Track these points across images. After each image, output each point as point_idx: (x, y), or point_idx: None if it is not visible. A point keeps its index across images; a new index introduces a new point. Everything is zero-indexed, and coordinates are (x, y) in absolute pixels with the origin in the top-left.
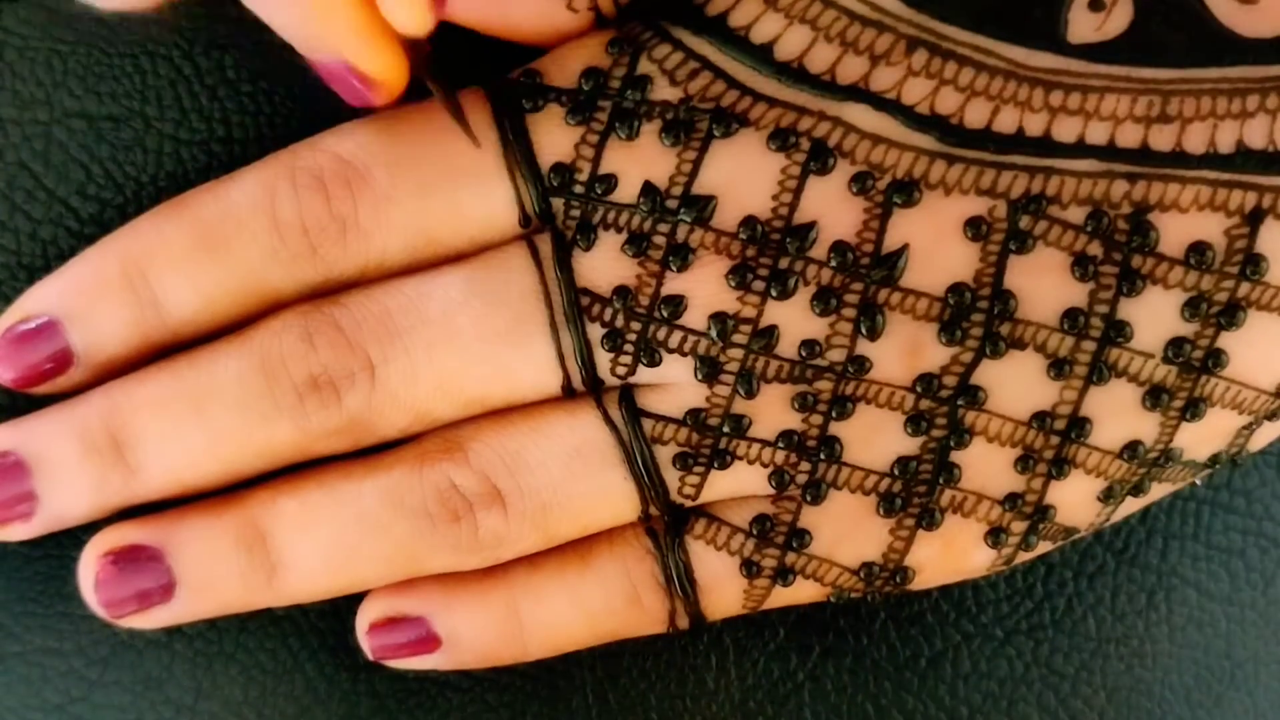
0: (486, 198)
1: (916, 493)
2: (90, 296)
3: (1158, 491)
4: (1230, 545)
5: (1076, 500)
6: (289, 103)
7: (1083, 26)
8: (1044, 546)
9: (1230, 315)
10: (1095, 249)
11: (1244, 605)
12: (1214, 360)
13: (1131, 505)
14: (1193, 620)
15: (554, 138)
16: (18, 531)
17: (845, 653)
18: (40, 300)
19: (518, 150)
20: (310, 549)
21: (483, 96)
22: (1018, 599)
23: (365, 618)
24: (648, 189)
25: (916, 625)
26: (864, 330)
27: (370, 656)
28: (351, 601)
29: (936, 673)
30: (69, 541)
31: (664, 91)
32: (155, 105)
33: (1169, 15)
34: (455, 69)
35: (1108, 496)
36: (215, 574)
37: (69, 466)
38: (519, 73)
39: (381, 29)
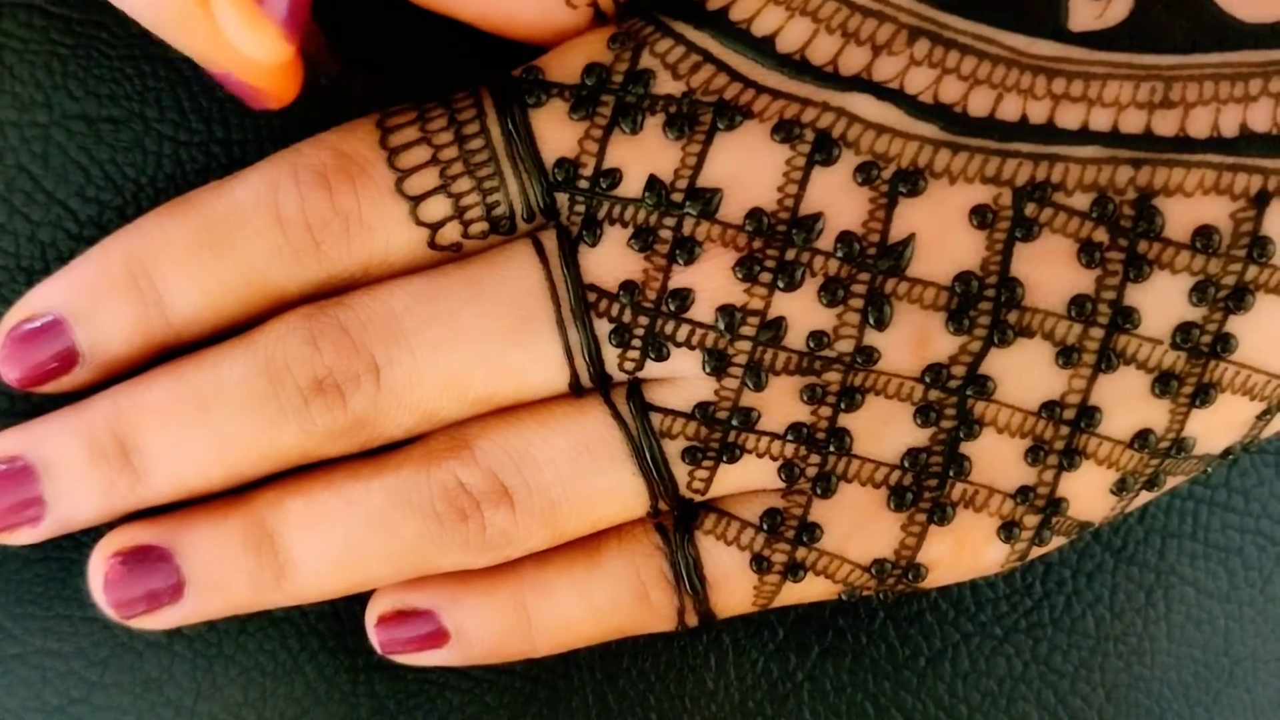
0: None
1: (927, 486)
2: (95, 295)
3: (1168, 484)
4: (1228, 543)
5: (1089, 493)
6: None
7: (1083, 14)
8: (1057, 541)
9: (1238, 299)
10: (1101, 235)
11: (1242, 603)
12: (1223, 345)
13: (1144, 496)
14: (1191, 618)
15: (557, 133)
16: (25, 535)
17: (844, 652)
18: (45, 299)
19: (521, 145)
20: (318, 549)
21: (485, 92)
22: (1016, 597)
23: (374, 611)
24: (652, 183)
25: (915, 624)
26: (872, 320)
27: (379, 650)
28: (351, 602)
29: (935, 671)
30: (69, 544)
31: (666, 85)
32: (155, 107)
33: (1169, 2)
34: (457, 66)
35: (1120, 489)
36: (224, 574)
37: (76, 472)
38: (521, 70)
39: (263, 44)
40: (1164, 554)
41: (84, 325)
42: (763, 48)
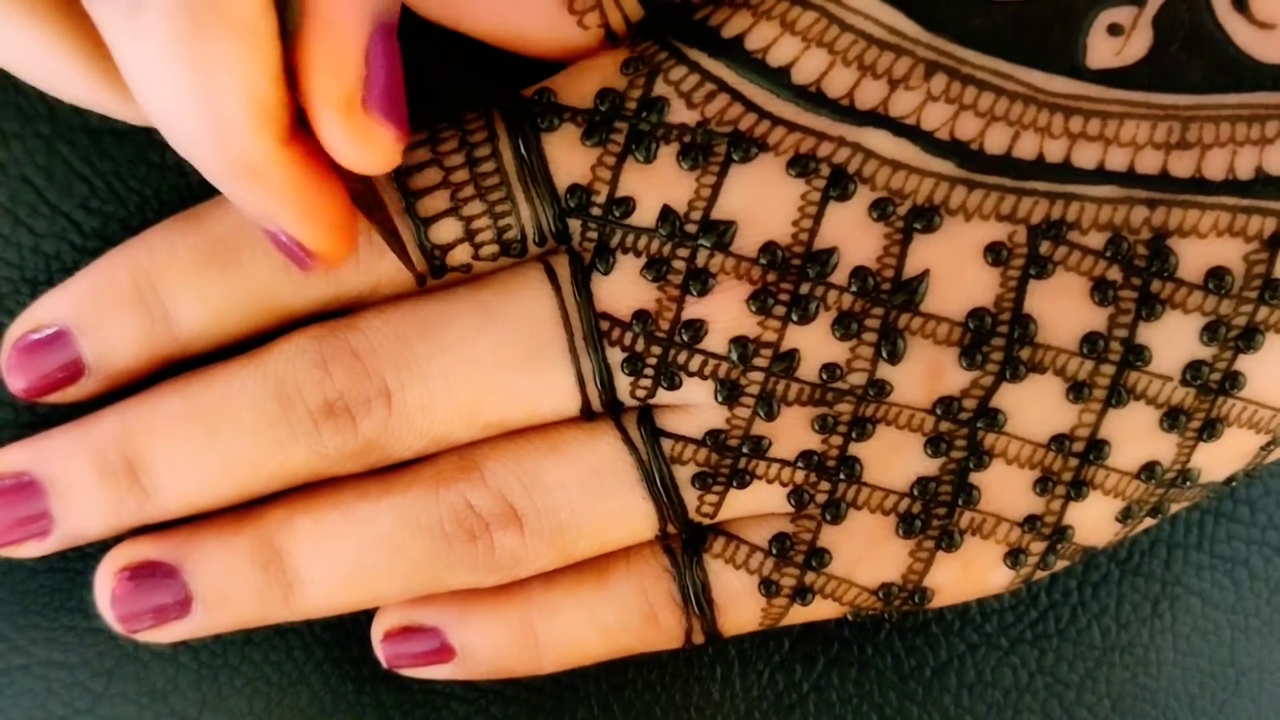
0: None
1: (936, 514)
2: (101, 308)
3: (1171, 510)
4: (1235, 554)
5: (1095, 521)
6: None
7: (1102, 51)
8: (1061, 564)
9: (1249, 339)
10: (1115, 274)
11: (1248, 614)
12: (1231, 382)
13: (1148, 523)
14: (1197, 629)
15: (570, 158)
16: (32, 549)
17: (850, 664)
18: (51, 310)
19: (533, 169)
20: (327, 568)
21: (496, 113)
22: (1023, 608)
23: (380, 627)
24: (666, 213)
25: (921, 635)
26: (885, 354)
27: (384, 665)
28: (357, 613)
29: (941, 682)
30: (75, 555)
31: (681, 114)
32: None
33: (1188, 41)
34: (464, 81)
35: (1126, 516)
36: (232, 591)
37: (85, 489)
38: (533, 90)
39: (326, 202)
40: (1170, 565)
41: (90, 338)
42: (778, 78)
